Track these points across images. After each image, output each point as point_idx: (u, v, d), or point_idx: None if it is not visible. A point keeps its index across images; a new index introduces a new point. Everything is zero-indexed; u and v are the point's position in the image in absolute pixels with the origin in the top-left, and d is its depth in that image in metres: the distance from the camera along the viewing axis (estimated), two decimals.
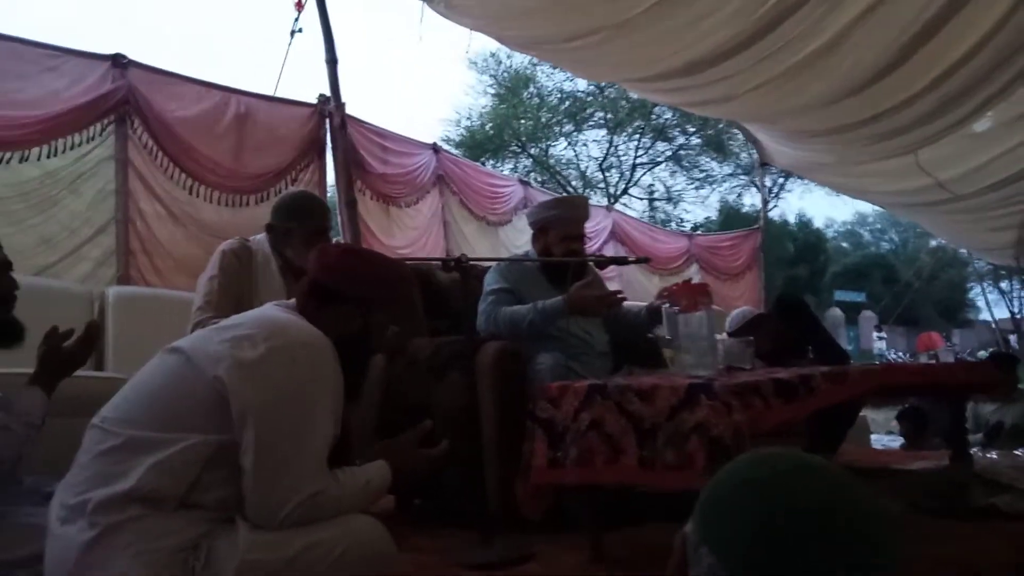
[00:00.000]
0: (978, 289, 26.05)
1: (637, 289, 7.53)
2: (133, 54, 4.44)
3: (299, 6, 4.64)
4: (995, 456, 3.39)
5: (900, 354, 19.58)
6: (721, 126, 19.74)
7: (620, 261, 3.18)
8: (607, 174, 23.73)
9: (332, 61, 4.82)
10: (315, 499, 1.49)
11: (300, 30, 4.78)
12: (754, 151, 8.92)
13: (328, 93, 5.04)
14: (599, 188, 23.29)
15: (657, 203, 24.63)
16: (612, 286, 6.16)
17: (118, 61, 4.36)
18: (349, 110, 5.28)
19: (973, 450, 3.59)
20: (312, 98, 5.22)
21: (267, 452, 1.47)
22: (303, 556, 1.47)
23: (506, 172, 17.46)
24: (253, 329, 1.56)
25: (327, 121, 5.14)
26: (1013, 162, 6.95)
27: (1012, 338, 15.39)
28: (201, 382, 1.50)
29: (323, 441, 1.55)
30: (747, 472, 0.86)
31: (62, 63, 4.20)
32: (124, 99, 4.35)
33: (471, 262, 2.88)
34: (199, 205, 4.56)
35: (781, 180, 22.50)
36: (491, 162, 21.22)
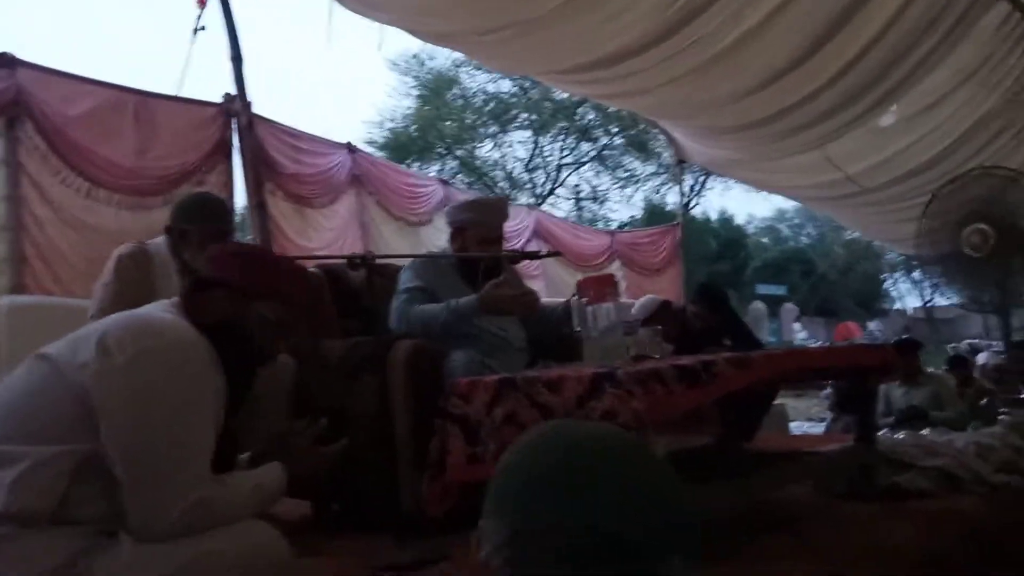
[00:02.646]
0: (892, 279, 27.20)
1: (560, 286, 7.57)
2: (24, 54, 4.22)
3: (201, 3, 4.49)
4: (901, 436, 3.51)
5: (820, 344, 20.25)
6: (643, 126, 20.07)
7: (531, 256, 3.16)
8: (533, 175, 23.90)
9: (237, 58, 4.67)
10: (201, 506, 1.42)
11: (203, 28, 4.61)
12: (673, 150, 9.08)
13: (234, 92, 4.89)
14: (526, 189, 23.43)
15: (583, 203, 24.92)
16: (536, 284, 6.17)
17: (5, 60, 4.13)
18: (264, 112, 5.17)
19: (882, 432, 3.70)
20: (218, 98, 5.07)
21: (141, 460, 1.40)
22: (193, 567, 1.40)
23: (432, 174, 17.38)
24: (123, 331, 1.47)
25: (234, 121, 4.99)
26: (916, 155, 7.26)
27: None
28: (67, 389, 1.42)
29: (203, 445, 1.48)
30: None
31: None
32: (13, 100, 4.12)
33: (378, 260, 2.84)
34: (98, 209, 4.36)
35: (702, 178, 23.02)
36: (416, 164, 21.08)
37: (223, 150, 5.02)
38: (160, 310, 1.61)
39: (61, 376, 1.43)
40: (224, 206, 2.89)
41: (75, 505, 1.38)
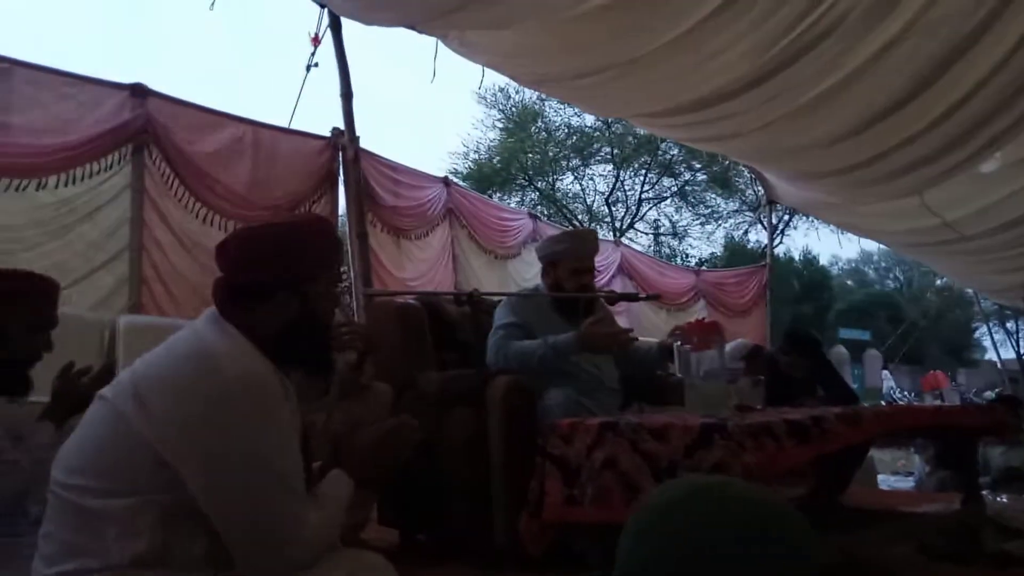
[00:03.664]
0: (984, 329, 25.94)
1: (645, 324, 7.54)
2: (152, 84, 4.50)
3: (315, 41, 4.71)
4: (1006, 500, 3.37)
5: (906, 393, 19.45)
6: (727, 163, 19.86)
7: (631, 298, 3.20)
8: (613, 208, 23.85)
9: (347, 95, 4.87)
10: (315, 535, 1.41)
11: (316, 64, 4.84)
12: (760, 187, 8.96)
13: (342, 126, 5.09)
14: (605, 222, 23.37)
15: (663, 238, 24.71)
16: (621, 321, 6.16)
17: (137, 90, 4.41)
18: (361, 143, 5.33)
19: (983, 493, 3.56)
20: (326, 131, 5.29)
21: (239, 507, 1.34)
22: None
23: (513, 205, 17.57)
24: (180, 376, 1.37)
25: (340, 154, 5.19)
26: (1021, 203, 6.96)
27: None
28: (136, 442, 1.33)
29: (294, 472, 1.41)
30: (652, 501, 0.87)
31: (80, 91, 4.24)
32: (143, 128, 4.39)
33: (482, 296, 2.91)
34: (213, 234, 4.57)
35: (786, 217, 22.56)
36: (498, 195, 21.32)
37: (330, 181, 5.22)
38: (209, 327, 1.46)
39: (124, 423, 1.35)
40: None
41: (177, 548, 1.34)
